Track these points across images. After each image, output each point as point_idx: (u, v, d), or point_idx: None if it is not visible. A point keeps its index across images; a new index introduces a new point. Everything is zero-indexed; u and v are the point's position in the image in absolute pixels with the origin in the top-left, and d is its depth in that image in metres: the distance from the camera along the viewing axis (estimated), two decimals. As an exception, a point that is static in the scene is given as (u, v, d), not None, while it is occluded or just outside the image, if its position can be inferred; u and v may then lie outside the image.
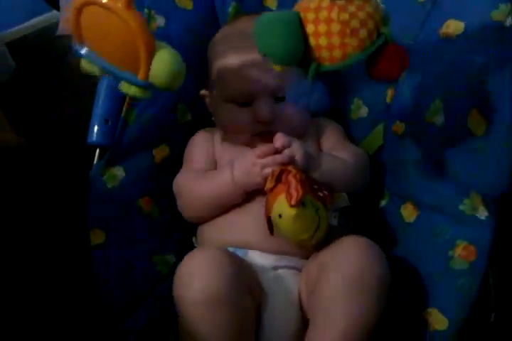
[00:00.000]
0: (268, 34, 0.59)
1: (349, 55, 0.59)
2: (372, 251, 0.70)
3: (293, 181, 0.67)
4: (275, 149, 0.77)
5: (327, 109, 0.63)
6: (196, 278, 0.66)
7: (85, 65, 0.67)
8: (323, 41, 0.58)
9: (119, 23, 0.60)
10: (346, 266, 0.68)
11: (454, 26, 0.80)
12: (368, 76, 0.63)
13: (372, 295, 0.67)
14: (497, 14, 0.75)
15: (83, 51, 0.65)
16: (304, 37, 0.59)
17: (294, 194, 0.66)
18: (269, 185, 0.70)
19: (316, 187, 0.70)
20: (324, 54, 0.59)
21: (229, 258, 0.69)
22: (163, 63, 0.62)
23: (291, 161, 0.75)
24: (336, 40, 0.58)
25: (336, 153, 0.86)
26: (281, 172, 0.71)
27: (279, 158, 0.75)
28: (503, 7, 0.75)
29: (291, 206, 0.65)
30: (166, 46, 0.64)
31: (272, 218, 0.70)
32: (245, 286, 0.69)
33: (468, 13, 0.79)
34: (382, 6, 0.61)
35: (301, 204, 0.66)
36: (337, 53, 0.59)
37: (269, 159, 0.76)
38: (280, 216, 0.67)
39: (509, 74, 0.73)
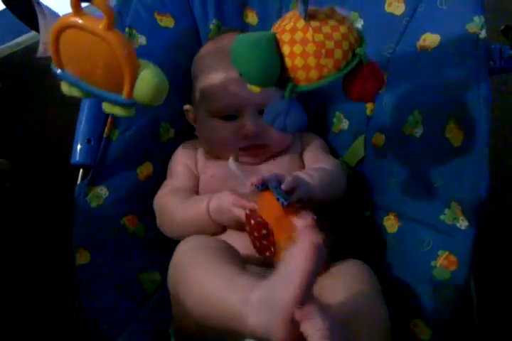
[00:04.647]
0: (244, 56, 0.59)
1: (324, 76, 0.59)
2: (369, 271, 0.73)
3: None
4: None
5: (303, 129, 0.64)
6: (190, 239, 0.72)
7: (65, 88, 0.66)
8: (298, 62, 0.58)
9: (101, 44, 0.60)
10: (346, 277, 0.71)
11: (430, 39, 0.81)
12: (345, 96, 0.64)
13: (376, 296, 0.69)
14: (471, 27, 0.76)
15: (63, 74, 0.65)
16: (280, 58, 0.59)
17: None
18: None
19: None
20: (300, 74, 0.59)
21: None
22: (147, 81, 0.61)
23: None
24: (311, 61, 0.58)
25: (316, 164, 0.87)
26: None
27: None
28: (477, 19, 0.76)
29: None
30: (149, 63, 0.63)
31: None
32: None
33: (444, 27, 0.80)
34: (356, 27, 0.62)
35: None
36: (313, 74, 0.59)
37: (246, 202, 0.75)
38: None
39: (484, 85, 0.74)
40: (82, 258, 0.79)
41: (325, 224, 0.76)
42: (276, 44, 0.59)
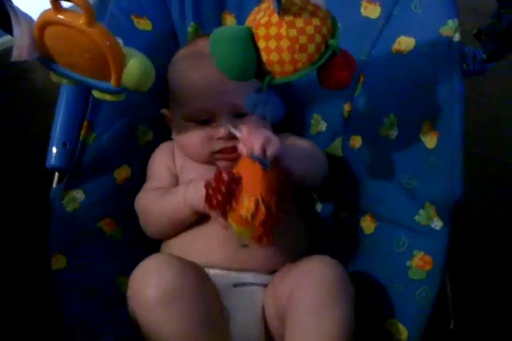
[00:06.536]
0: (222, 50, 0.60)
1: (299, 69, 0.61)
2: (337, 269, 0.72)
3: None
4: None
5: (281, 117, 0.65)
6: (152, 277, 0.68)
7: (55, 78, 0.68)
8: (274, 57, 0.60)
9: (84, 37, 0.61)
10: (316, 283, 0.70)
11: (405, 42, 0.83)
12: (321, 86, 0.65)
13: (342, 308, 0.69)
14: (445, 30, 0.78)
15: (51, 65, 0.67)
16: (257, 52, 0.60)
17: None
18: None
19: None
20: (276, 68, 0.61)
21: (179, 260, 0.72)
22: (134, 69, 0.64)
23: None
24: (286, 56, 0.60)
25: (294, 143, 0.88)
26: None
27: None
28: (451, 23, 0.78)
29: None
30: (135, 52, 0.66)
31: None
32: (202, 283, 0.71)
33: (419, 30, 0.82)
34: (331, 14, 0.62)
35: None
36: (288, 68, 0.60)
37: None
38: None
39: (458, 88, 0.75)
40: (58, 262, 0.78)
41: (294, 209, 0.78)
42: (252, 38, 0.60)
